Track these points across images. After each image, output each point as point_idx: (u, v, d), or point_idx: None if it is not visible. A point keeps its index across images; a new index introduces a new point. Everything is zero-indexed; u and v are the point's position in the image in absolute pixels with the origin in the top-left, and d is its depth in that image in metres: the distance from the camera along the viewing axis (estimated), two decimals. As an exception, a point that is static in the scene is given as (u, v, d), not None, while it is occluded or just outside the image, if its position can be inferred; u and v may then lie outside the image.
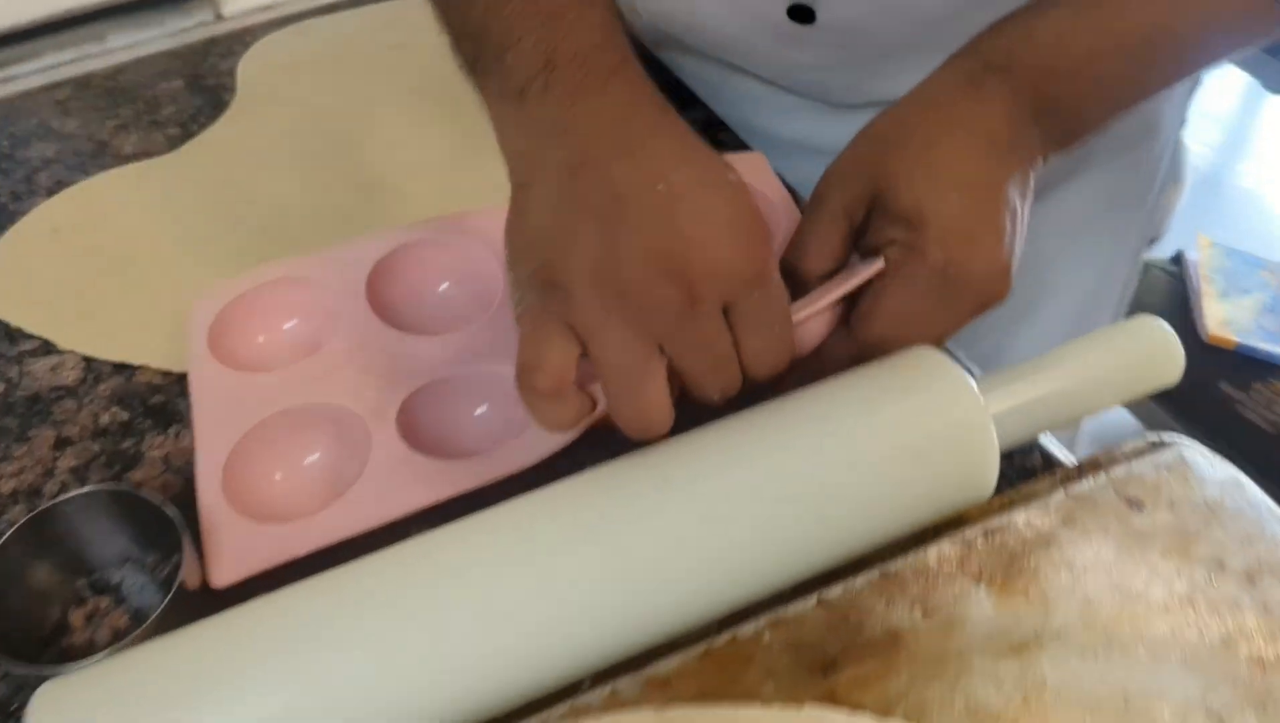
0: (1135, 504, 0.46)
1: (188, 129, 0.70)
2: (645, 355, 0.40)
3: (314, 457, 0.50)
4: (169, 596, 0.41)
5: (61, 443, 0.51)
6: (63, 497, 0.43)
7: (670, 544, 0.40)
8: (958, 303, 0.46)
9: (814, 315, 0.46)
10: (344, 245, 0.56)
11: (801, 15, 0.61)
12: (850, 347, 0.48)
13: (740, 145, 0.67)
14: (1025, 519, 0.46)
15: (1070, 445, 0.54)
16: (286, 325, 0.54)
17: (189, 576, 0.42)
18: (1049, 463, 0.52)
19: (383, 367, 0.51)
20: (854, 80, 0.65)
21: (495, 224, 0.55)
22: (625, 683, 0.40)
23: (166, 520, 0.43)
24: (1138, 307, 0.69)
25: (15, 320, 0.57)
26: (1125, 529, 0.45)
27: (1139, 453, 0.49)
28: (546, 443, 0.48)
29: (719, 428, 0.44)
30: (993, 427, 0.44)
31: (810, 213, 0.47)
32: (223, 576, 0.44)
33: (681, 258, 0.39)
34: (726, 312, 0.41)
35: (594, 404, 0.43)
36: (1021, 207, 0.47)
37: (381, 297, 0.54)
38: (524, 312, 0.41)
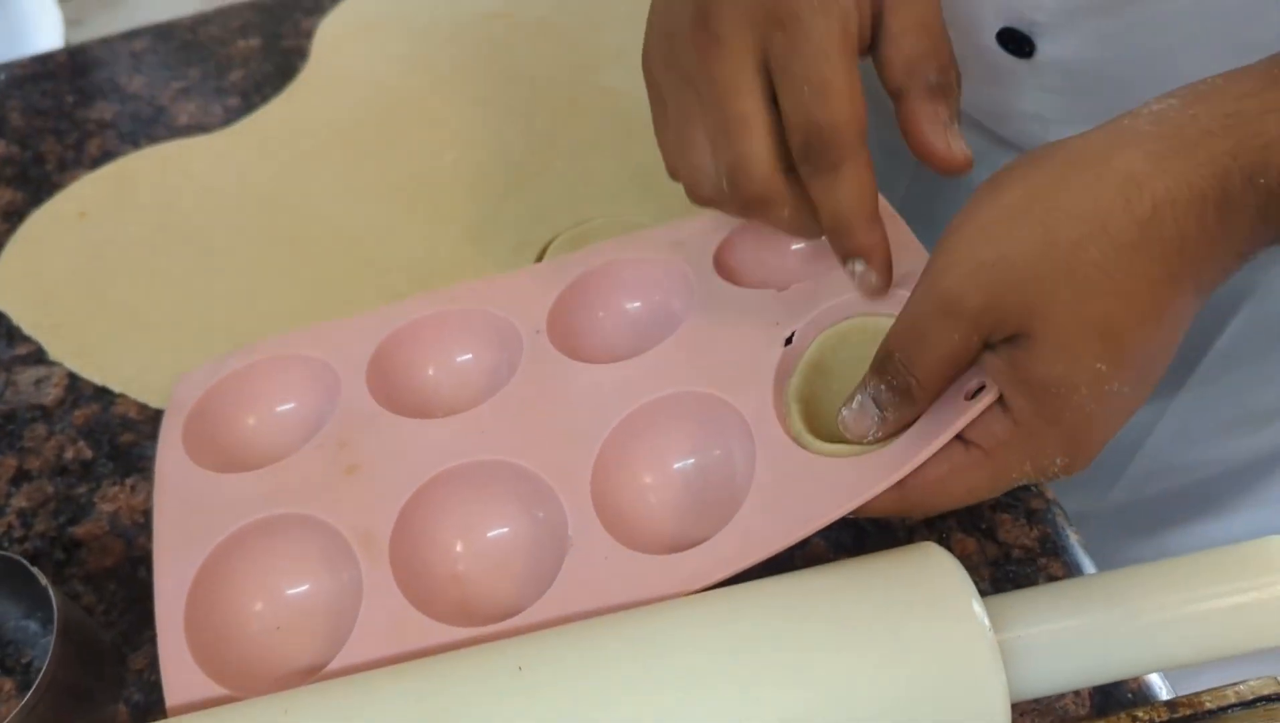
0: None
1: (248, 101, 0.64)
2: (689, 106, 0.38)
3: (301, 588, 0.42)
4: (25, 699, 0.36)
5: (20, 477, 0.48)
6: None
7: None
8: (1022, 479, 0.35)
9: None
10: (350, 321, 0.48)
11: (1019, 47, 0.47)
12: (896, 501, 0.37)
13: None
14: (1068, 793, 0.34)
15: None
16: (280, 409, 0.47)
17: (58, 670, 0.38)
18: (1126, 691, 0.39)
19: (380, 466, 0.42)
20: None
21: (521, 287, 0.47)
22: None
23: (50, 604, 0.39)
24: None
25: (17, 316, 0.54)
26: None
27: (1263, 712, 0.36)
28: (571, 600, 0.38)
29: (671, 612, 0.35)
30: (1001, 672, 0.33)
31: (939, 323, 0.33)
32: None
33: None
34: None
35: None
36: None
37: (389, 375, 0.46)
38: (653, 114, 0.41)
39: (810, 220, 0.38)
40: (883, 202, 0.43)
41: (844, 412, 0.37)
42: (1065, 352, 0.31)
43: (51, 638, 0.41)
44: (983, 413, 0.34)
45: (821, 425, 0.40)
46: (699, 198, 0.40)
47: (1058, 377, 0.32)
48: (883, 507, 0.36)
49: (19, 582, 0.41)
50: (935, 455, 0.35)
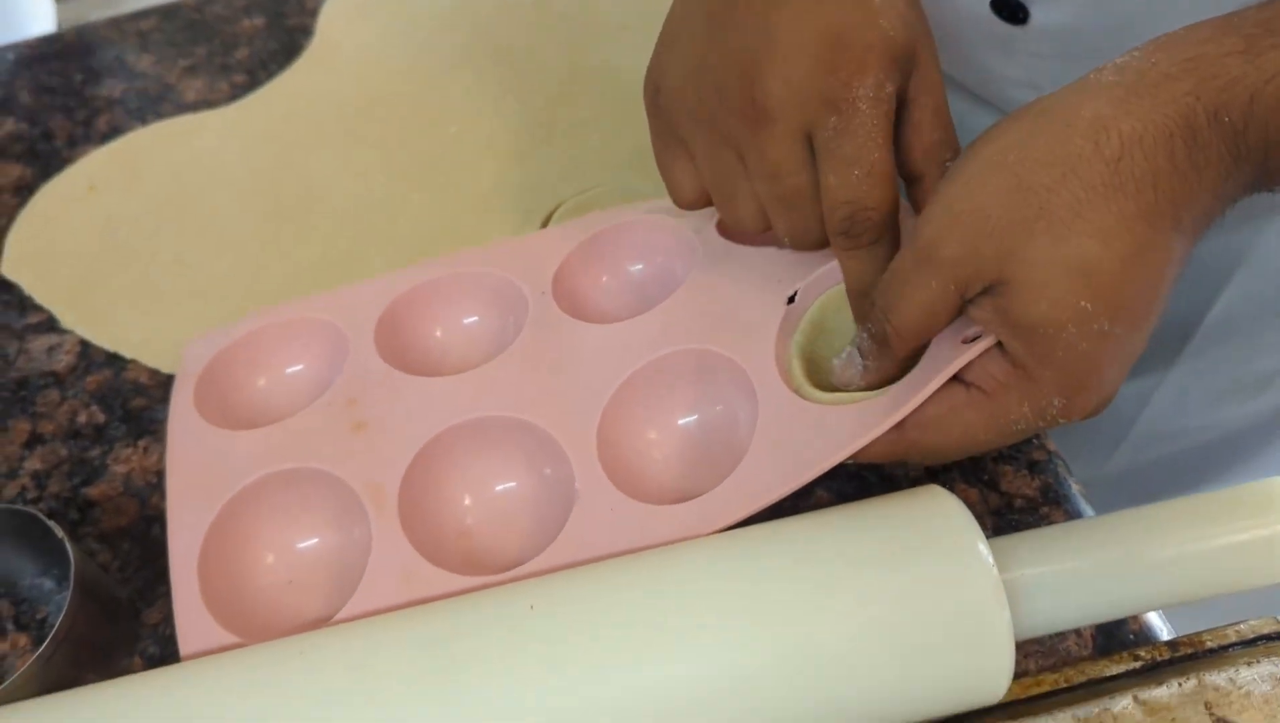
0: (1224, 741, 0.34)
1: (254, 78, 0.65)
2: (729, 166, 0.39)
3: (311, 541, 0.43)
4: (40, 649, 0.37)
5: (34, 440, 0.48)
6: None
7: (573, 697, 0.32)
8: (1032, 428, 0.35)
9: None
10: (357, 286, 0.48)
11: (1012, 14, 0.48)
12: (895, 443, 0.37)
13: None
14: (1070, 728, 0.35)
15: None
16: (289, 370, 0.48)
17: (74, 623, 0.38)
18: (1128, 632, 0.40)
19: (389, 422, 0.43)
20: None
21: (526, 251, 0.47)
22: None
23: (66, 558, 0.39)
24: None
25: (29, 286, 0.55)
26: (1208, 770, 0.34)
27: (1263, 649, 0.37)
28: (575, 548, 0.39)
29: (680, 553, 0.35)
30: (1005, 611, 0.33)
31: (915, 271, 0.34)
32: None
33: (759, 66, 0.36)
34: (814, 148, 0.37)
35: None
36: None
37: (396, 337, 0.47)
38: (652, 139, 0.42)
39: None
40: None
41: (834, 362, 0.38)
42: (1045, 291, 0.32)
43: (67, 593, 0.42)
44: (982, 356, 0.35)
45: (822, 381, 0.41)
46: (734, 237, 0.44)
47: (1042, 316, 0.32)
48: (882, 451, 0.37)
49: (35, 537, 0.42)
50: (935, 397, 0.35)
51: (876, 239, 0.37)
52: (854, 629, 0.33)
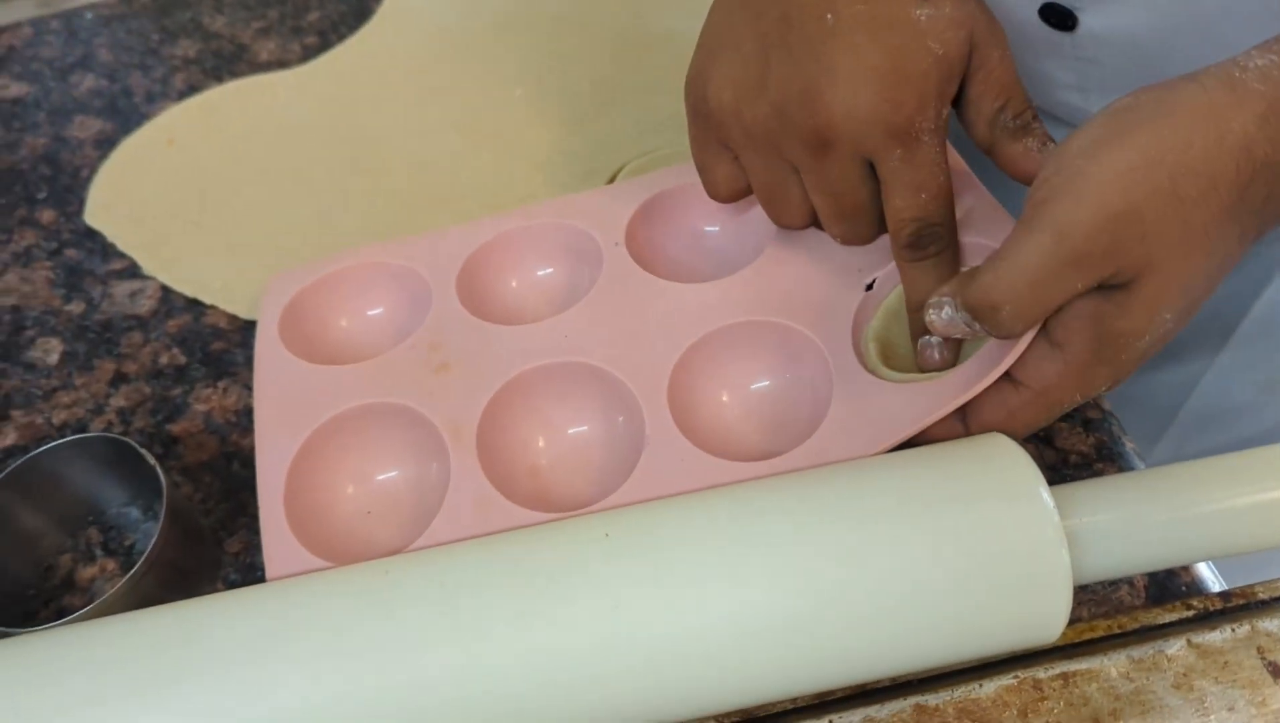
0: None
1: (325, 39, 0.66)
2: (782, 178, 0.41)
3: (390, 474, 0.44)
4: (133, 570, 0.39)
5: (118, 379, 0.51)
6: (56, 442, 0.42)
7: (647, 621, 0.34)
8: (1071, 405, 0.37)
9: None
10: (440, 233, 0.50)
11: (1060, 20, 0.48)
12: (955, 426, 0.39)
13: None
14: (1124, 667, 0.36)
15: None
16: (370, 312, 0.50)
17: (164, 548, 0.40)
18: (1180, 583, 0.41)
19: (470, 366, 0.45)
20: None
21: (599, 204, 0.49)
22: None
23: (158, 483, 0.41)
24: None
25: (111, 234, 0.57)
26: (1263, 713, 0.35)
27: (1313, 598, 0.38)
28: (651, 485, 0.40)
29: (746, 492, 0.37)
30: (1065, 553, 0.34)
31: (1060, 263, 0.33)
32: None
33: (821, 96, 0.37)
34: (874, 166, 0.38)
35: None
36: None
37: (475, 285, 0.49)
38: (692, 140, 0.43)
39: None
40: (955, 157, 0.45)
41: (930, 315, 0.37)
42: (1152, 305, 0.33)
43: (154, 521, 0.44)
44: (1032, 355, 0.36)
45: (896, 364, 0.42)
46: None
47: (1133, 329, 0.33)
48: (944, 431, 0.38)
49: (125, 466, 0.44)
50: (990, 402, 0.37)
51: (942, 250, 0.39)
52: (917, 566, 0.34)
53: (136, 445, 0.42)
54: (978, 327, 0.35)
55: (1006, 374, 0.36)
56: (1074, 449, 0.45)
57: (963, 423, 0.38)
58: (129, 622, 0.35)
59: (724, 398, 0.45)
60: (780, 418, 0.44)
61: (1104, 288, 0.33)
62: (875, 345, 0.43)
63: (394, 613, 0.34)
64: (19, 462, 0.42)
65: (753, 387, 0.45)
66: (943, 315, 0.37)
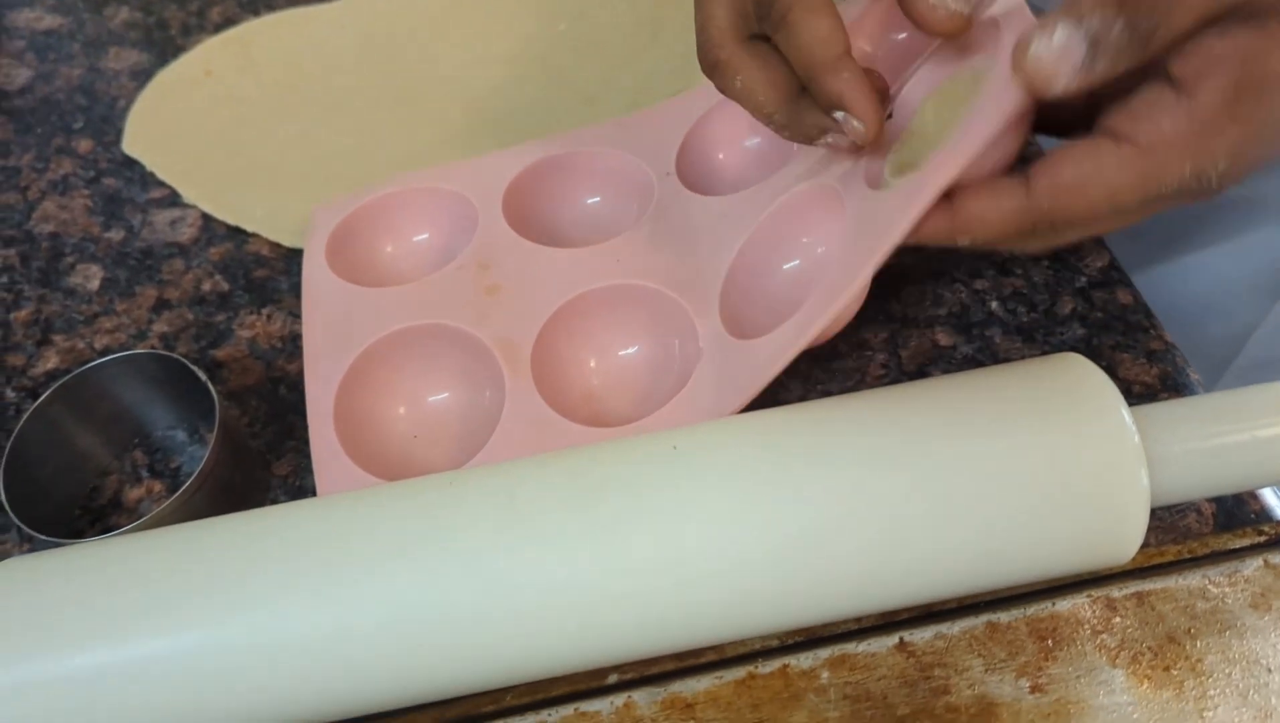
0: (1357, 602, 0.35)
1: (363, -26, 0.66)
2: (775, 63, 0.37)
3: (441, 396, 0.44)
4: (186, 484, 0.38)
5: (160, 305, 0.50)
6: (106, 357, 0.42)
7: (720, 534, 0.33)
8: (1175, 200, 0.30)
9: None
10: (484, 158, 0.49)
11: None
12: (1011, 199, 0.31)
13: None
14: (1199, 585, 0.36)
15: None
16: (416, 238, 0.49)
17: (216, 464, 0.40)
18: (1249, 512, 0.40)
19: (521, 287, 0.44)
20: None
21: (644, 128, 0.48)
22: (642, 695, 0.35)
23: (210, 398, 0.40)
24: None
25: (150, 163, 0.56)
26: (1339, 630, 0.34)
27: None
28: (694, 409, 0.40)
29: (818, 408, 0.36)
30: (1145, 473, 0.33)
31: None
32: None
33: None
34: None
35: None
36: None
37: (521, 210, 0.48)
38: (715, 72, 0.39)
39: (760, 94, 0.37)
40: None
41: (1039, 48, 0.29)
42: None
43: (199, 444, 0.43)
44: (1144, 101, 0.29)
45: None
46: None
47: None
48: (934, 229, 0.32)
49: (174, 386, 0.43)
50: (1076, 156, 0.30)
51: (786, 9, 0.35)
52: (993, 483, 0.33)
53: (187, 362, 0.41)
54: (1109, 40, 0.28)
55: (1104, 128, 0.30)
56: (1137, 379, 0.44)
57: (1006, 195, 0.31)
58: (197, 529, 0.34)
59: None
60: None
61: (1252, 18, 0.28)
62: (892, 173, 0.39)
63: (456, 522, 0.33)
64: (70, 375, 0.41)
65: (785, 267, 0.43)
66: (1053, 40, 0.29)
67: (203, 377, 0.41)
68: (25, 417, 0.40)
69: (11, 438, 0.40)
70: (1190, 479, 0.36)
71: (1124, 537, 0.34)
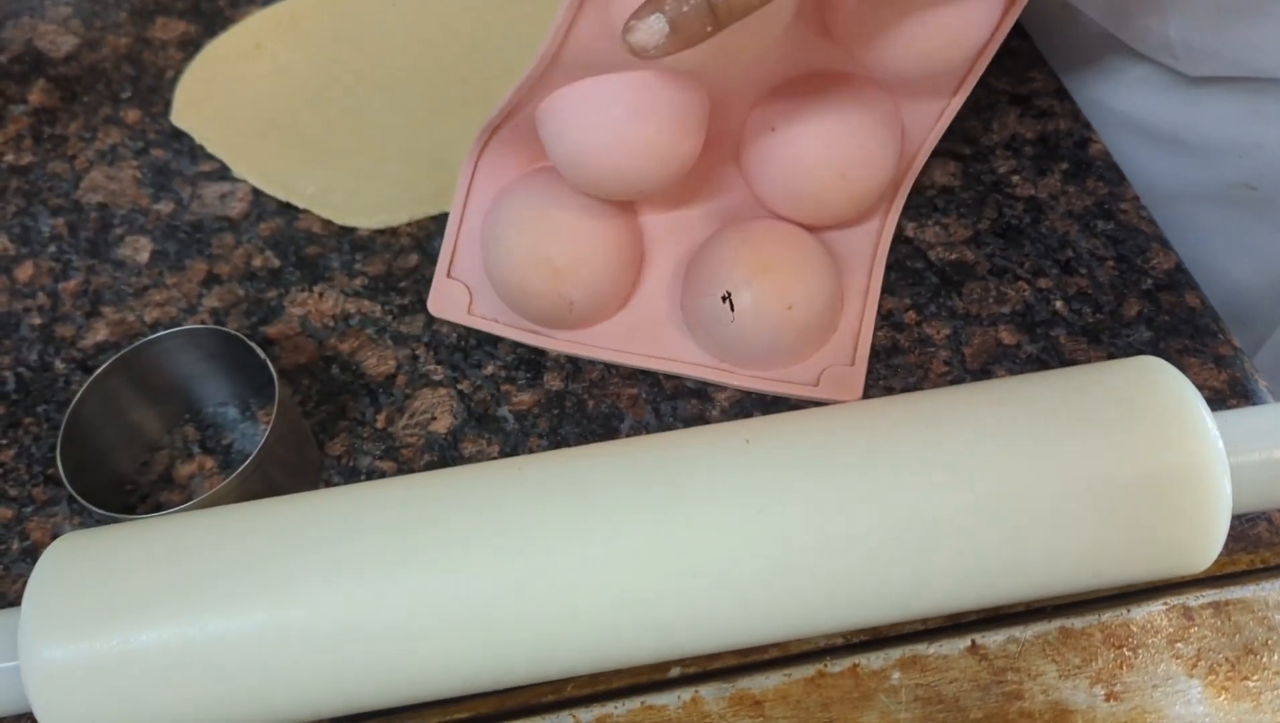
0: None
1: (413, -50, 0.65)
2: None
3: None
4: (246, 462, 0.38)
5: (211, 280, 0.49)
6: (164, 331, 0.41)
7: (791, 532, 0.32)
8: None
9: None
10: None
11: None
12: None
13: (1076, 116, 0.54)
14: (1277, 597, 0.35)
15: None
16: None
17: (275, 443, 0.39)
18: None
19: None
20: (1205, 37, 0.49)
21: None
22: (709, 691, 0.34)
23: (267, 375, 0.40)
24: None
25: (200, 136, 0.55)
26: None
27: None
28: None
29: (892, 406, 0.35)
30: (1228, 481, 0.32)
31: None
32: (438, 308, 0.46)
33: None
34: None
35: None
36: None
37: None
38: None
39: None
40: None
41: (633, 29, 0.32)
42: None
43: (253, 421, 0.43)
44: None
45: None
46: None
47: None
48: None
49: (228, 362, 0.43)
50: None
51: None
52: (1074, 486, 0.33)
53: (246, 339, 0.41)
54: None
55: None
56: (1205, 384, 0.43)
57: None
58: (266, 508, 0.34)
59: None
60: None
61: None
62: None
63: (530, 513, 0.33)
64: (128, 348, 0.40)
65: None
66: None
67: (261, 354, 0.40)
68: (84, 388, 0.40)
69: (69, 410, 0.39)
70: (1269, 488, 0.35)
71: (1204, 545, 0.33)
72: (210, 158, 0.54)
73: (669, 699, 0.34)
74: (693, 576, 0.32)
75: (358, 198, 0.52)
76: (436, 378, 0.45)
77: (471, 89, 0.56)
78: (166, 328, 0.47)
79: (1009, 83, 0.54)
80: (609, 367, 0.45)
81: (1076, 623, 0.34)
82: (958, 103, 0.43)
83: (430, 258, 0.49)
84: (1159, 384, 0.34)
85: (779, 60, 0.42)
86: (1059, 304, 0.46)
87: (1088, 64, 0.55)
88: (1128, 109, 0.54)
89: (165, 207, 0.52)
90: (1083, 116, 0.53)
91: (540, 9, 0.60)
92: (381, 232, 0.50)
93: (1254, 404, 0.42)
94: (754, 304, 0.42)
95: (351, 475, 0.43)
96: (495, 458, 0.43)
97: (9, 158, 0.55)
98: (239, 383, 0.44)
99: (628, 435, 0.43)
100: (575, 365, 0.45)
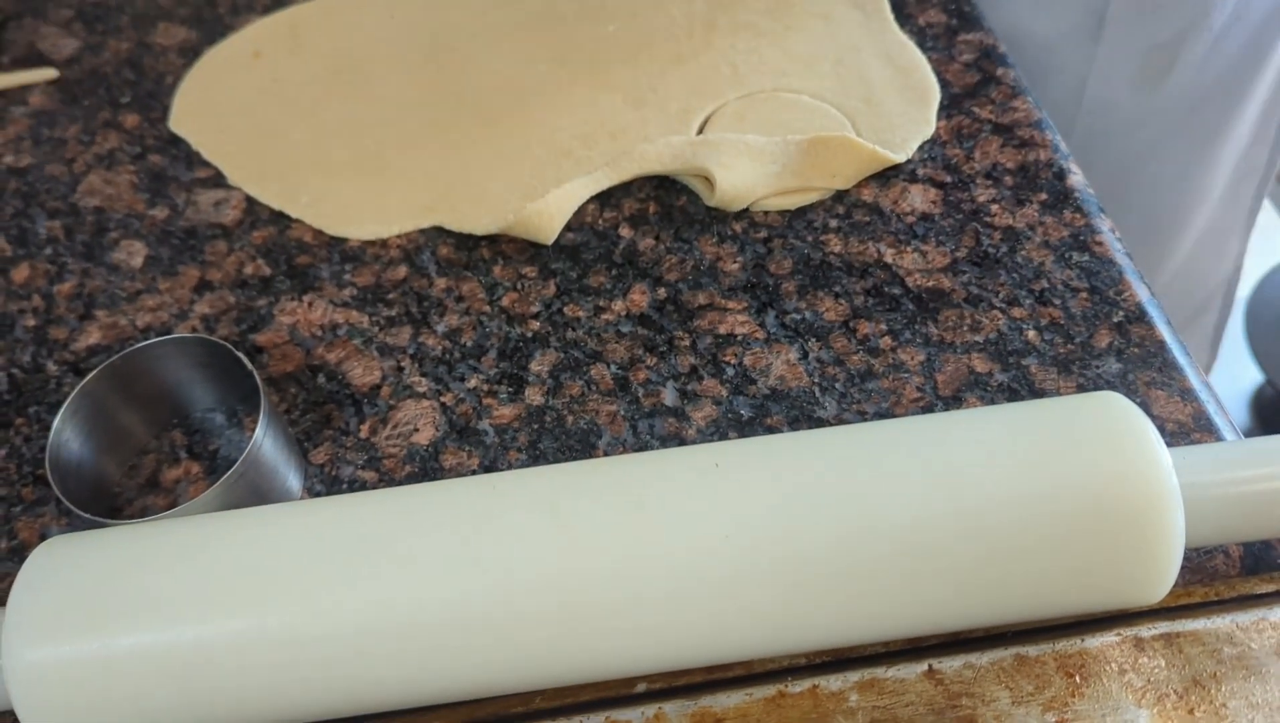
0: (1386, 657, 0.35)
1: (413, -38, 0.66)
2: None
3: None
4: (233, 468, 0.39)
5: (202, 286, 0.50)
6: (154, 340, 0.42)
7: (751, 549, 0.33)
8: None
9: None
10: None
11: None
12: None
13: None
14: (1227, 630, 0.36)
15: None
16: None
17: (260, 450, 0.40)
18: (1276, 556, 0.40)
19: None
20: None
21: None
22: (672, 707, 0.35)
23: (253, 385, 0.41)
24: None
25: (196, 142, 0.56)
26: (1366, 683, 0.35)
27: None
28: None
29: (859, 431, 0.36)
30: (1181, 515, 0.33)
31: None
32: None
33: None
34: None
35: None
36: None
37: None
38: None
39: None
40: None
41: None
42: None
43: (255, 425, 0.44)
44: None
45: None
46: None
47: None
48: None
49: (216, 370, 0.43)
50: None
51: None
52: (1027, 515, 0.34)
53: (233, 349, 0.42)
54: None
55: None
56: (1170, 417, 0.44)
57: None
58: (252, 517, 0.35)
59: None
60: None
61: None
62: None
63: (501, 528, 0.34)
64: (117, 355, 0.41)
65: None
66: None
67: (248, 365, 0.41)
68: (74, 392, 0.41)
69: (59, 413, 0.40)
70: (1223, 523, 0.36)
71: (1157, 577, 0.34)
72: (206, 165, 0.55)
73: (634, 715, 0.35)
74: (658, 594, 0.33)
75: (350, 209, 0.53)
76: (420, 390, 0.46)
77: (465, 106, 0.57)
78: (158, 333, 0.49)
79: (993, 112, 0.55)
80: (589, 383, 0.46)
81: (1032, 651, 0.35)
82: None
83: (419, 270, 0.50)
84: (1117, 420, 0.35)
85: None
86: (1031, 334, 0.47)
87: None
88: None
89: (160, 212, 0.53)
90: (1062, 148, 0.54)
91: (537, 25, 0.61)
92: (371, 243, 0.51)
93: (1217, 439, 0.43)
94: None
95: (334, 484, 0.44)
96: (474, 471, 0.44)
97: (8, 159, 0.56)
98: (226, 390, 0.45)
99: (606, 451, 0.44)
100: (556, 381, 0.46)
